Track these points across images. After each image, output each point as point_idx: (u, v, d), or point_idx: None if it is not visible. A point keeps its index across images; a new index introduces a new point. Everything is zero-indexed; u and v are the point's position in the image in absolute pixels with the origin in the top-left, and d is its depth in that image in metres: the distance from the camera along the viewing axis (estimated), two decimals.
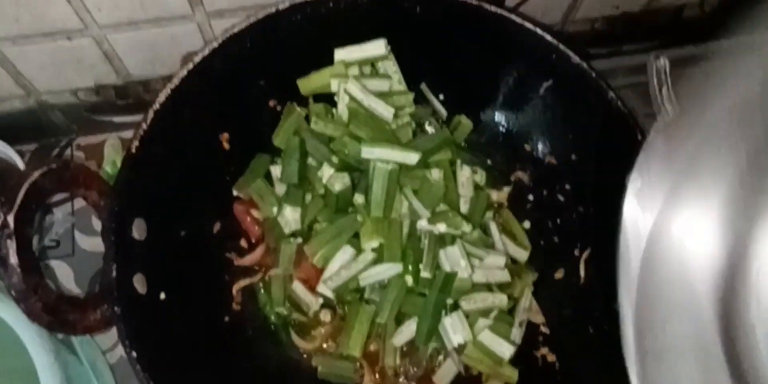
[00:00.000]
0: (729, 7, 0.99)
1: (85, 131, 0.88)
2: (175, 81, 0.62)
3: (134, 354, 0.52)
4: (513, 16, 0.68)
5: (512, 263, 0.72)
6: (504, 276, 0.68)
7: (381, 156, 0.64)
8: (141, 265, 0.58)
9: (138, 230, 0.59)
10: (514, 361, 0.68)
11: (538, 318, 0.71)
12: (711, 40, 0.99)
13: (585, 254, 0.70)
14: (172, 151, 0.63)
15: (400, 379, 0.69)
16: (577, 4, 0.87)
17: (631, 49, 1.05)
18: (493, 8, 0.68)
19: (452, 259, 0.64)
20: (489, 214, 0.73)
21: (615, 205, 0.66)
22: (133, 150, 0.59)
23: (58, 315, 0.50)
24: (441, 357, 0.69)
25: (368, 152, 0.65)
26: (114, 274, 0.55)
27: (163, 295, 0.60)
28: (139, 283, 0.57)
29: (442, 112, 0.78)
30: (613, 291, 0.64)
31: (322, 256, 0.65)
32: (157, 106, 0.61)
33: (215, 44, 0.64)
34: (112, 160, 0.84)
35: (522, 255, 0.74)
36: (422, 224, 0.65)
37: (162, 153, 0.62)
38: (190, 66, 0.63)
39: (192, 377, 0.58)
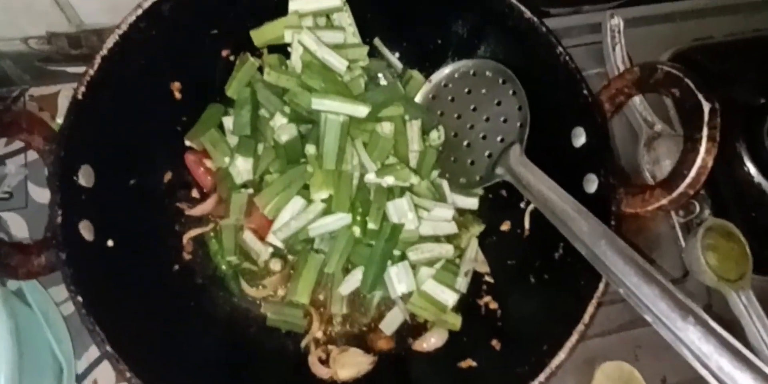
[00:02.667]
0: None
1: (38, 82, 0.86)
2: (123, 26, 0.62)
3: (79, 298, 0.53)
4: None
5: (459, 216, 0.74)
6: (451, 228, 0.70)
7: (331, 108, 0.65)
8: (88, 211, 0.58)
9: (85, 177, 0.59)
10: (458, 308, 0.70)
11: (483, 268, 0.73)
12: (664, 0, 1.02)
13: (530, 207, 0.72)
14: (121, 99, 0.63)
15: (348, 327, 0.71)
16: None
17: (591, 10, 1.06)
18: None
19: (399, 211, 0.66)
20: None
21: (560, 158, 0.68)
22: (80, 96, 0.58)
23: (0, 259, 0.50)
24: (387, 305, 0.71)
25: (319, 104, 0.65)
26: (59, 219, 0.55)
27: (110, 243, 0.60)
28: (86, 230, 0.58)
29: (397, 65, 0.78)
30: (554, 241, 0.67)
31: (273, 206, 0.66)
32: (104, 51, 0.60)
33: None
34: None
35: (472, 203, 0.75)
36: (370, 177, 0.66)
37: (110, 100, 0.61)
38: (139, 11, 0.62)
39: (140, 324, 0.59)
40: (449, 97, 0.75)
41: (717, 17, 1.02)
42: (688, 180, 0.57)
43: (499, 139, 0.70)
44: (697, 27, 1.01)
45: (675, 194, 0.58)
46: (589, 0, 1.05)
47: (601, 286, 0.59)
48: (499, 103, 0.71)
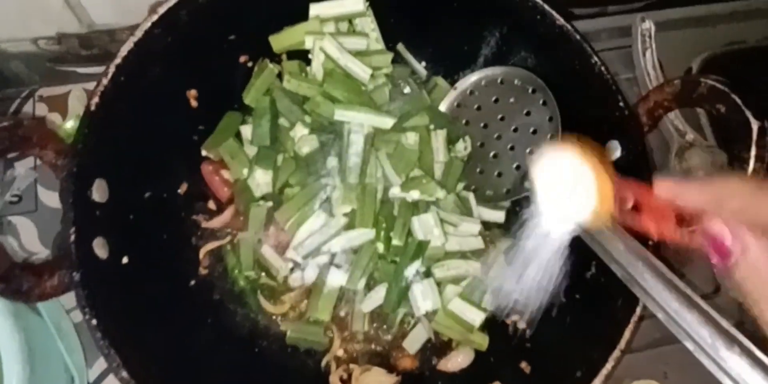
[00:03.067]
0: None
1: (48, 82, 0.84)
2: (138, 34, 0.59)
3: (94, 321, 0.51)
4: None
5: (485, 230, 0.71)
6: (478, 243, 0.68)
7: (355, 119, 0.62)
8: (102, 228, 0.56)
9: (98, 192, 0.56)
10: (485, 327, 0.68)
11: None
12: (695, 3, 0.99)
13: None
14: (136, 109, 0.60)
15: (371, 345, 0.69)
16: None
17: (616, 10, 1.02)
18: None
19: (425, 226, 0.63)
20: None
21: None
22: (93, 107, 0.56)
23: (11, 282, 0.48)
24: (411, 323, 0.69)
25: (342, 115, 0.62)
26: (73, 238, 0.52)
27: (125, 260, 0.58)
28: (100, 247, 0.55)
29: (422, 72, 0.76)
30: (586, 260, 0.64)
31: (294, 222, 0.63)
32: (118, 60, 0.58)
33: None
34: (76, 114, 0.80)
35: (499, 216, 0.72)
36: (395, 192, 0.64)
37: (124, 110, 0.59)
38: (154, 18, 0.59)
39: (156, 344, 0.57)
40: (475, 106, 0.72)
41: (750, 21, 0.99)
42: None
43: (528, 150, 0.67)
44: (730, 31, 0.97)
45: None
46: (616, 0, 1.02)
47: (638, 309, 0.56)
48: (528, 113, 0.68)
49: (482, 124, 0.71)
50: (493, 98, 0.71)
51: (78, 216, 0.53)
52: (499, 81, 0.71)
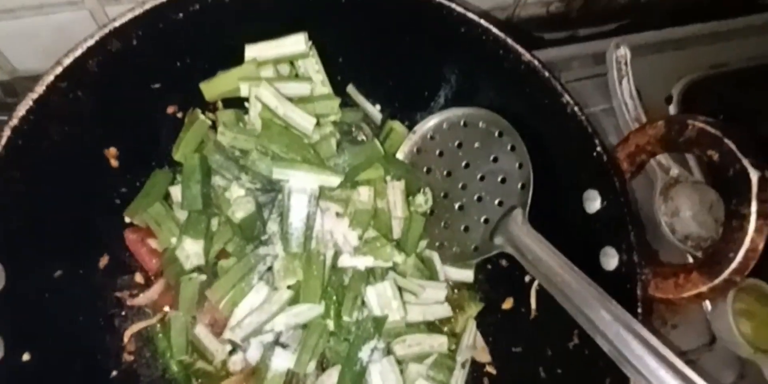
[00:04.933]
0: None
1: None
2: (39, 89, 0.51)
3: None
4: (454, 5, 0.58)
5: (453, 292, 0.63)
6: (445, 311, 0.60)
7: (296, 178, 0.54)
8: None
9: None
10: None
11: (484, 357, 0.62)
12: (672, 26, 0.93)
13: (536, 283, 0.61)
14: (37, 176, 0.52)
15: None
16: None
17: (588, 34, 0.96)
18: None
19: (382, 298, 0.55)
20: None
21: (570, 226, 0.58)
22: None
23: None
24: None
25: (281, 173, 0.54)
26: None
27: (26, 357, 0.49)
28: None
29: (376, 116, 0.68)
30: (568, 327, 0.56)
31: (229, 301, 0.54)
32: (15, 121, 0.50)
33: (91, 42, 0.52)
34: None
35: (467, 275, 0.65)
36: (344, 260, 0.55)
37: (22, 179, 0.50)
38: (58, 70, 0.51)
39: None
40: (437, 151, 0.65)
41: (730, 42, 0.93)
42: (734, 265, 0.47)
43: (496, 202, 0.60)
44: (710, 54, 0.91)
45: (718, 281, 0.48)
46: (585, 22, 0.96)
47: None
48: (495, 160, 0.61)
49: (445, 172, 0.64)
50: (456, 143, 0.64)
51: None
52: (461, 123, 0.64)
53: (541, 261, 0.53)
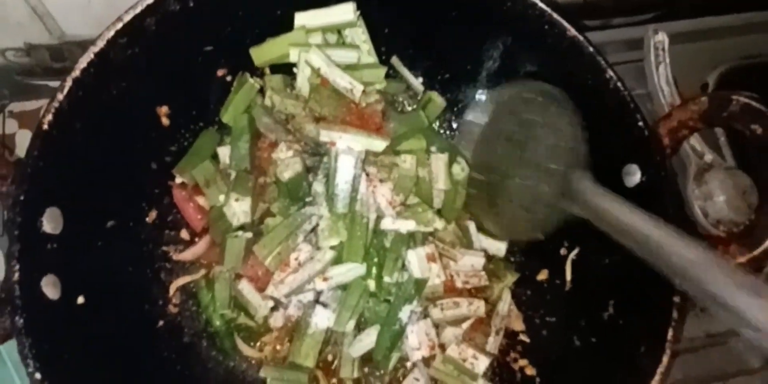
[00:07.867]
0: None
1: (19, 97, 0.79)
2: (100, 43, 0.52)
3: (38, 375, 0.44)
4: None
5: (488, 263, 0.64)
6: (481, 280, 0.61)
7: (343, 140, 0.55)
8: (53, 264, 0.49)
9: (51, 222, 0.49)
10: (489, 374, 0.60)
11: (518, 325, 0.63)
12: (707, 14, 0.93)
13: (572, 254, 0.62)
14: (97, 128, 0.53)
15: None
16: None
17: (622, 23, 0.96)
18: None
19: (422, 262, 0.56)
20: None
21: None
22: (45, 126, 0.49)
23: None
24: (406, 369, 0.61)
25: (328, 135, 0.56)
26: (17, 276, 0.46)
27: (81, 300, 0.51)
28: (50, 287, 0.48)
29: (418, 88, 0.69)
30: (603, 298, 0.57)
31: (275, 257, 0.56)
32: (76, 73, 0.51)
33: (150, 0, 0.54)
34: None
35: (500, 248, 0.65)
36: (387, 223, 0.56)
37: (83, 130, 0.52)
38: (119, 25, 0.53)
39: None
40: (498, 125, 0.64)
41: (765, 33, 0.93)
42: None
43: (560, 169, 0.59)
44: (744, 44, 0.91)
45: (757, 252, 0.48)
46: (621, 12, 0.97)
47: (665, 359, 0.49)
48: (553, 130, 0.60)
49: (507, 145, 0.63)
50: (516, 115, 0.63)
51: (24, 250, 0.47)
52: (523, 97, 0.63)
53: (616, 217, 0.49)
